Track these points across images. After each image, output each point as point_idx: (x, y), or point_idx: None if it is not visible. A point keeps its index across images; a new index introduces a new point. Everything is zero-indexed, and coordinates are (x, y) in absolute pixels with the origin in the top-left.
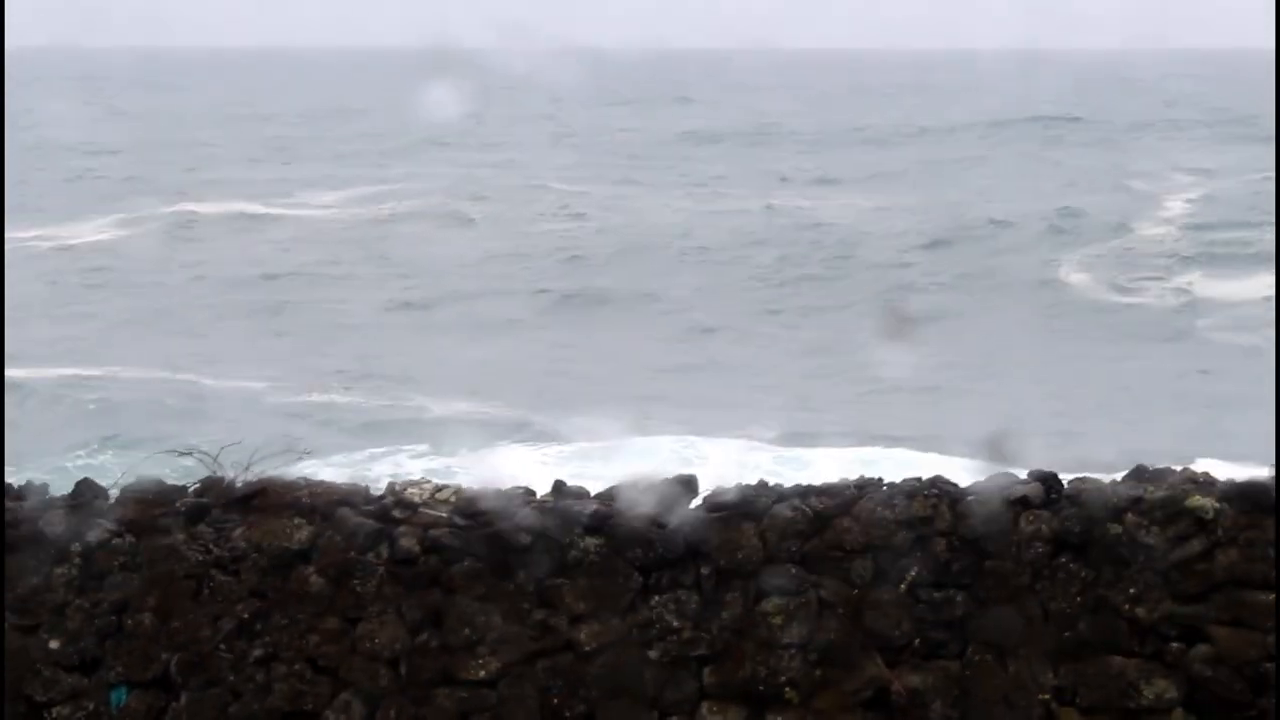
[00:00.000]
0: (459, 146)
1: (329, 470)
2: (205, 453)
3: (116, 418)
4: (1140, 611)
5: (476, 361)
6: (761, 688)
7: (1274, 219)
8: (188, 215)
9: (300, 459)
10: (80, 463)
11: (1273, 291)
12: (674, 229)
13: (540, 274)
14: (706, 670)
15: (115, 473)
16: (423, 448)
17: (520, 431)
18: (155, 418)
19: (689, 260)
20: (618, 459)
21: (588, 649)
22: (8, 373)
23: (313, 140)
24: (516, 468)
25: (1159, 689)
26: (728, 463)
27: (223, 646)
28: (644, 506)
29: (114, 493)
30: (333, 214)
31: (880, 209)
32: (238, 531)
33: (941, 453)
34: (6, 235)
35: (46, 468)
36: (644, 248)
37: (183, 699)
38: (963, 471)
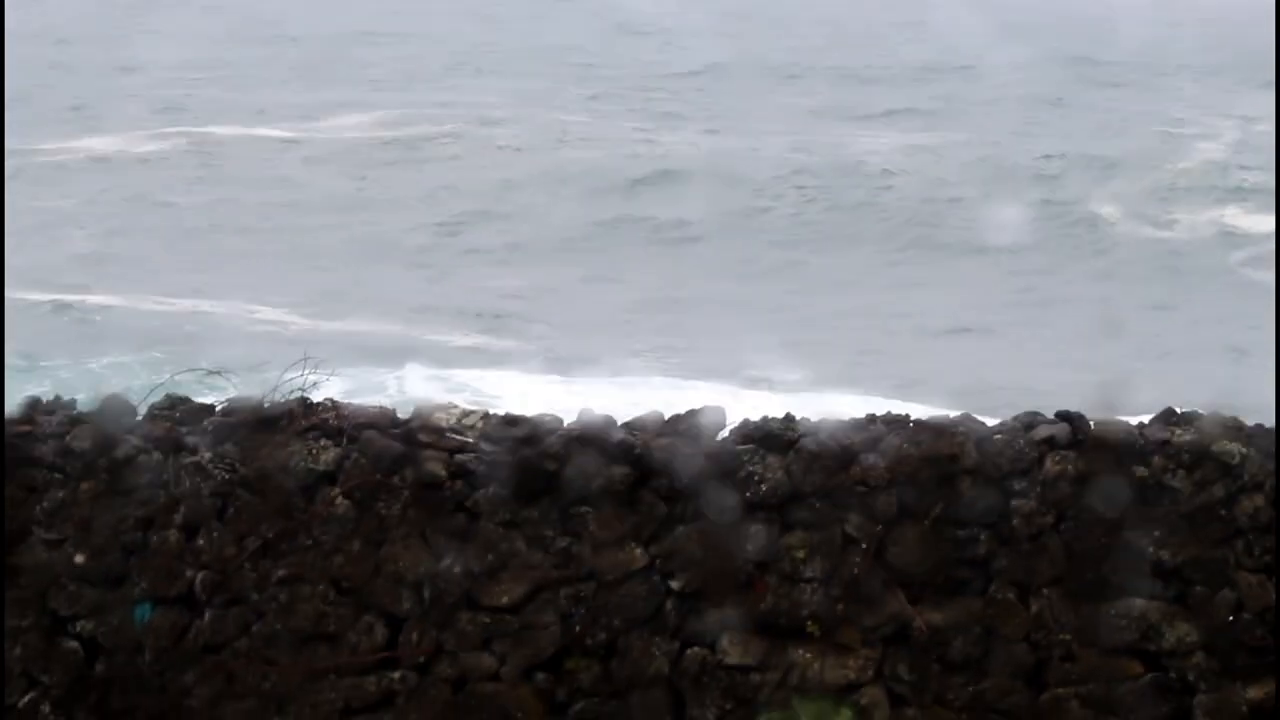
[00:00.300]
0: (484, 73)
1: (338, 389)
2: (232, 372)
3: (143, 339)
4: (1164, 555)
5: (494, 290)
6: (783, 621)
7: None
8: (215, 136)
9: (315, 378)
10: (108, 380)
11: None
12: (699, 159)
13: (564, 201)
14: (729, 602)
15: (143, 390)
16: (435, 371)
17: (528, 361)
18: (182, 340)
19: (719, 192)
20: (619, 393)
21: (610, 577)
22: (37, 294)
23: (342, 63)
24: (524, 396)
25: (1181, 633)
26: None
27: (247, 565)
28: (671, 436)
29: (141, 410)
30: (358, 136)
31: (913, 146)
32: (264, 451)
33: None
34: (31, 146)
35: (74, 384)
36: (669, 178)
37: (206, 616)
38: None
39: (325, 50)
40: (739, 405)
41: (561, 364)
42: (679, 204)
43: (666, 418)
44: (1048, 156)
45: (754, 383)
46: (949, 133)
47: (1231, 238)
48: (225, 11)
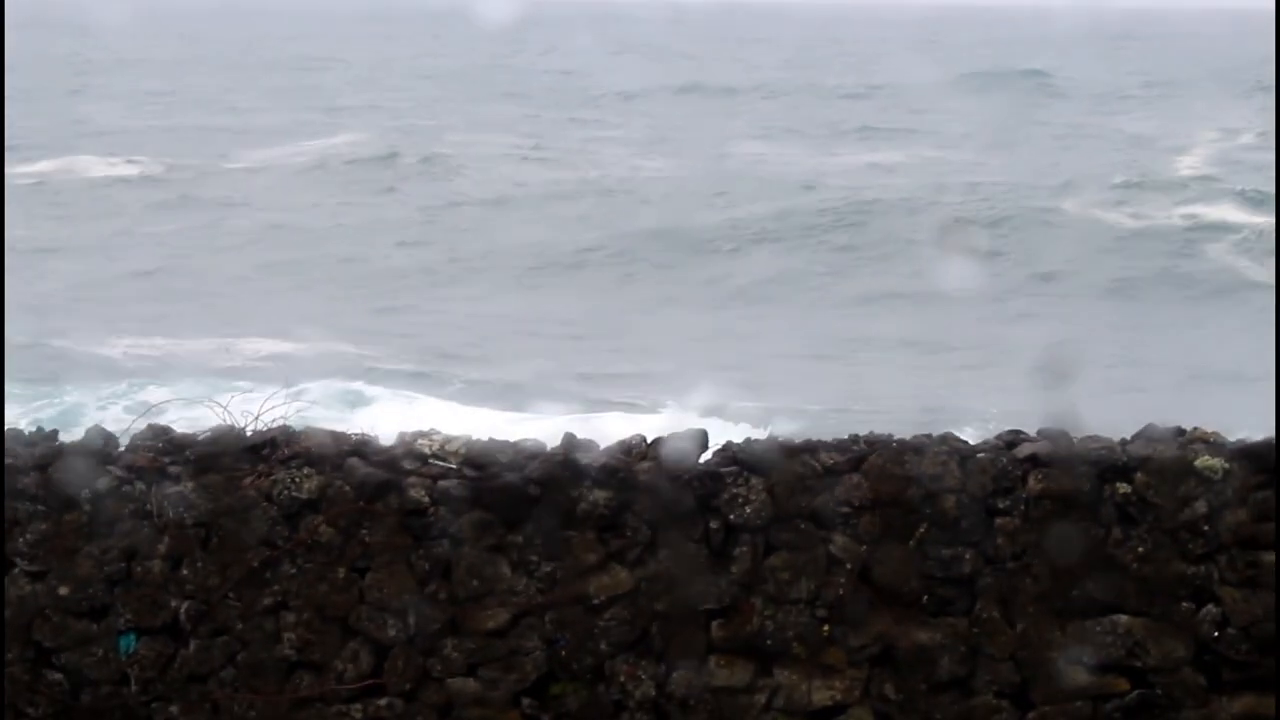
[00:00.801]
0: (452, 97)
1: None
2: (215, 402)
3: (119, 371)
4: (1148, 571)
5: (449, 315)
6: (769, 643)
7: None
8: (187, 162)
9: (296, 405)
10: (91, 410)
11: None
12: (666, 180)
13: (532, 225)
14: (715, 624)
15: (125, 421)
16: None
17: (467, 391)
18: (159, 370)
19: (684, 213)
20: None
21: (596, 602)
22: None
23: (310, 89)
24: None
25: (1167, 649)
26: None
27: (231, 595)
28: (654, 459)
29: (124, 440)
30: (330, 159)
31: (872, 166)
32: (247, 480)
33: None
34: (29, 169)
35: (54, 416)
36: (633, 199)
37: (191, 646)
38: None
39: (292, 76)
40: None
41: (508, 394)
42: (639, 226)
43: (649, 441)
44: (1018, 171)
45: (708, 412)
46: (911, 150)
47: (1216, 230)
48: (197, 40)
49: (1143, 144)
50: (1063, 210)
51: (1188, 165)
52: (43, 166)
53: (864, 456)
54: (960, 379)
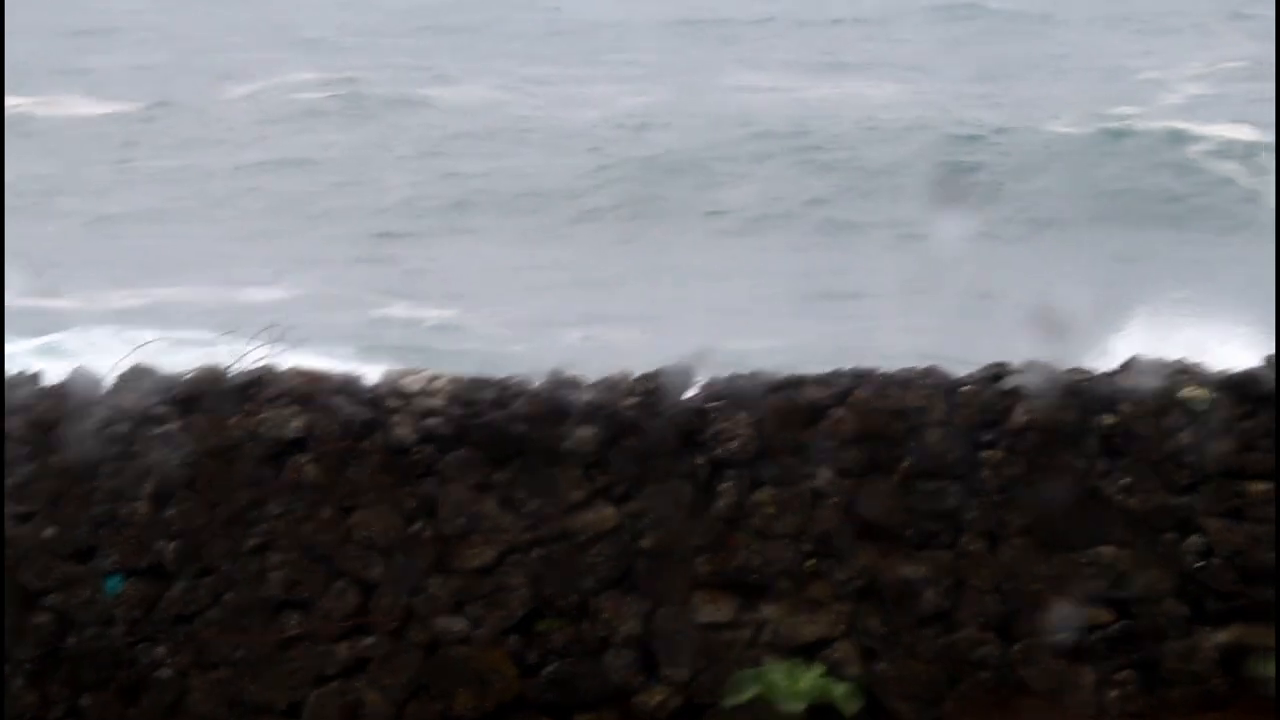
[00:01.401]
0: (427, 32)
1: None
2: (200, 344)
3: (110, 315)
4: (1133, 502)
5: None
6: (754, 577)
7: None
8: (172, 98)
9: (284, 346)
10: (76, 352)
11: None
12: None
13: (519, 163)
14: (699, 560)
15: (111, 363)
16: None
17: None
18: (152, 314)
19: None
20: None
21: (581, 538)
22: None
23: (276, 26)
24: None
25: (1151, 579)
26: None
27: (218, 535)
28: (640, 395)
29: (109, 382)
30: (312, 96)
31: (846, 95)
32: (232, 420)
33: None
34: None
35: (38, 359)
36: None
37: (177, 587)
38: None
39: (261, 12)
40: None
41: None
42: (624, 157)
43: (635, 377)
44: (1008, 101)
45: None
46: (880, 82)
47: (1190, 138)
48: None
49: (1125, 74)
50: (1050, 134)
51: (1173, 90)
52: (17, 102)
53: (849, 390)
54: (951, 316)
